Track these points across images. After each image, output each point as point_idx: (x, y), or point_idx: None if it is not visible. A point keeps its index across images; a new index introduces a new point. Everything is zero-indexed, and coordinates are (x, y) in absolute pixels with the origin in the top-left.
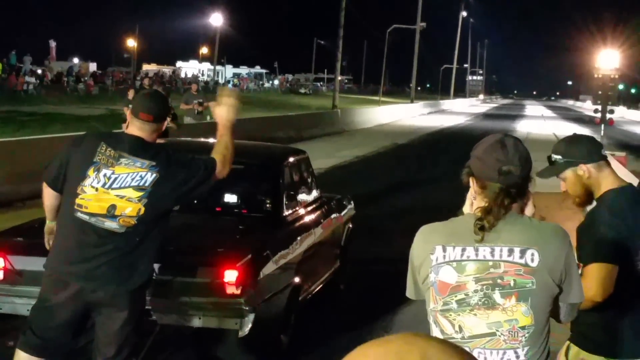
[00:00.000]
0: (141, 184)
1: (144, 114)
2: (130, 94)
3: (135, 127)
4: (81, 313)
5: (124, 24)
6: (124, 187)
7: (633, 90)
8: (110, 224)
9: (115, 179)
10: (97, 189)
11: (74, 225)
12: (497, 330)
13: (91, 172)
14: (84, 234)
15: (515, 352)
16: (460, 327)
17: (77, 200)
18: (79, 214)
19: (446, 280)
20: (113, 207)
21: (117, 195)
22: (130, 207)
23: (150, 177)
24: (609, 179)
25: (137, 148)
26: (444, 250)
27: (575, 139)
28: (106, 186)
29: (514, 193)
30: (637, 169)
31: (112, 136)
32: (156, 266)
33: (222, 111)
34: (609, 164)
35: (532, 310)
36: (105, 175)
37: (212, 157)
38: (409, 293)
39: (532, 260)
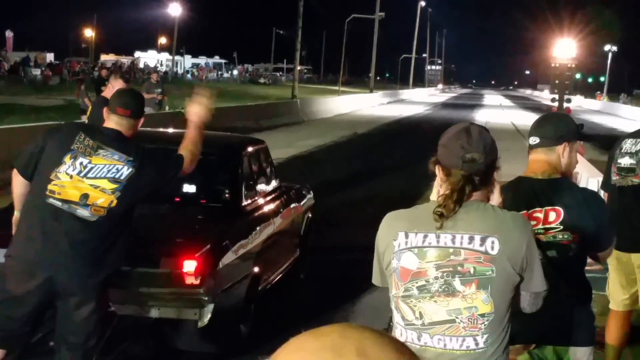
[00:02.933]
0: (117, 176)
1: (122, 109)
2: (82, 85)
3: (113, 122)
4: (45, 303)
5: (81, 14)
6: (99, 178)
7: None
8: (83, 212)
9: (92, 168)
10: (71, 176)
11: (45, 211)
12: (457, 318)
13: (67, 159)
14: (56, 221)
15: (475, 340)
16: (420, 313)
17: (50, 186)
18: (51, 200)
19: (407, 267)
20: (85, 196)
21: (91, 185)
22: (103, 198)
23: (126, 171)
24: (529, 166)
25: (116, 141)
26: (407, 236)
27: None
28: (81, 174)
29: (477, 181)
30: (595, 158)
31: (91, 128)
32: None
33: (198, 110)
34: (533, 152)
35: (492, 298)
36: (81, 163)
37: (180, 154)
38: (375, 280)
39: (493, 248)
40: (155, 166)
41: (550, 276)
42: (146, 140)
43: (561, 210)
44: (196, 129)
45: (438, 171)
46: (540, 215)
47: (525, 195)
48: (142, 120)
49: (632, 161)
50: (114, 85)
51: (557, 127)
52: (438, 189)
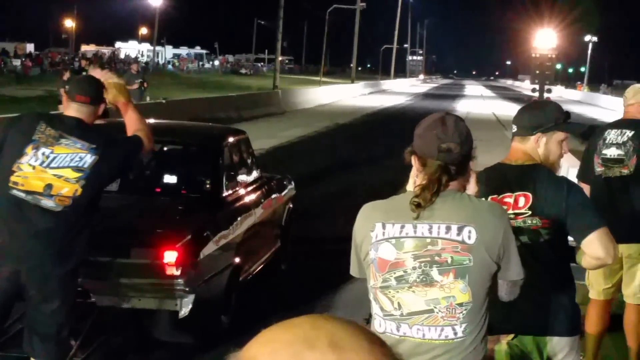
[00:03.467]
0: (80, 165)
1: (81, 97)
2: (66, 75)
3: (73, 110)
4: (13, 295)
5: (61, 4)
6: (63, 167)
7: (570, 70)
8: (47, 202)
9: (54, 158)
10: (34, 167)
11: (9, 203)
12: (435, 307)
13: (29, 150)
14: (20, 212)
15: (453, 329)
16: (399, 304)
17: (13, 178)
18: (14, 192)
19: (385, 257)
20: (49, 186)
21: (54, 175)
22: (67, 187)
23: (89, 159)
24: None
25: (78, 129)
26: (384, 227)
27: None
28: (44, 165)
29: (453, 170)
30: (574, 148)
31: (52, 117)
32: (94, 247)
33: (113, 94)
34: (514, 140)
35: (469, 287)
36: (44, 153)
37: (134, 135)
38: (353, 271)
39: (469, 237)
40: (118, 152)
41: (525, 262)
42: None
43: (530, 195)
44: (128, 109)
45: (414, 161)
46: (511, 201)
47: (497, 180)
48: (102, 106)
49: (620, 152)
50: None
51: (533, 116)
52: (414, 179)
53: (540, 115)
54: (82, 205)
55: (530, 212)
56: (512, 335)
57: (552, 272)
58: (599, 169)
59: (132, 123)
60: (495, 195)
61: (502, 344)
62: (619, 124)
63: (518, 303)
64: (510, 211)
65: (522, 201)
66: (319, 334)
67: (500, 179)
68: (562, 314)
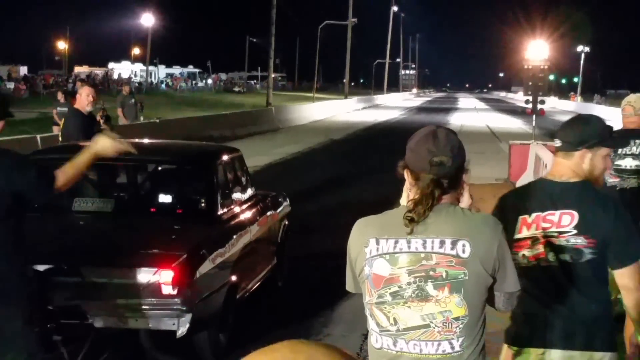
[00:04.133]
0: None
1: None
2: (60, 96)
3: None
4: None
5: (54, 26)
6: None
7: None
8: None
9: None
10: None
11: None
12: (431, 322)
13: None
14: None
15: (450, 343)
16: (395, 319)
17: None
18: None
19: (380, 273)
20: None
21: None
22: None
23: None
24: (552, 168)
25: None
26: (377, 242)
27: None
28: None
29: (445, 184)
30: None
31: None
32: (90, 268)
33: (106, 142)
34: (559, 155)
35: (465, 301)
36: None
37: (55, 173)
38: (349, 286)
39: (464, 251)
40: (20, 170)
41: (561, 280)
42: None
43: (575, 214)
44: (89, 156)
45: (407, 175)
46: (554, 218)
47: (540, 197)
48: (3, 122)
49: (637, 162)
50: (81, 93)
51: (578, 132)
52: (407, 193)
53: (585, 131)
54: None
55: (575, 231)
56: (542, 350)
57: (589, 290)
58: (611, 180)
59: (72, 163)
60: (538, 213)
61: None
62: (631, 134)
63: (550, 319)
64: (554, 229)
65: (566, 219)
66: (297, 357)
67: (543, 196)
68: (599, 329)
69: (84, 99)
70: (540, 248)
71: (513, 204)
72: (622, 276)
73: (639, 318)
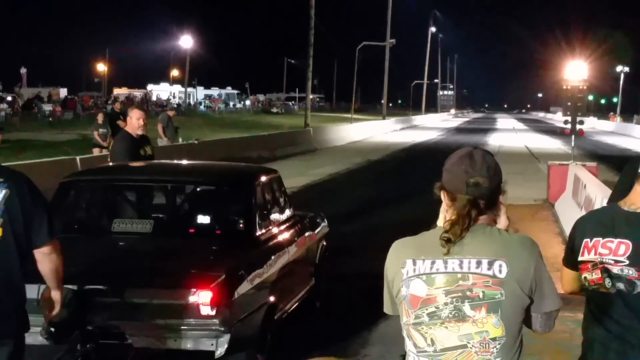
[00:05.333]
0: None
1: None
2: (100, 118)
3: None
4: None
5: (93, 48)
6: None
7: (603, 101)
8: None
9: None
10: None
11: None
12: (469, 342)
13: None
14: None
15: None
16: (432, 340)
17: None
18: None
19: (417, 294)
20: None
21: None
22: None
23: (0, 194)
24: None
25: None
26: (414, 263)
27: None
28: None
29: (482, 205)
30: (609, 179)
31: None
32: (130, 288)
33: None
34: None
35: (502, 322)
36: None
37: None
38: (386, 308)
39: (500, 271)
40: (30, 194)
41: (618, 308)
42: (162, 171)
43: (630, 244)
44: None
45: (443, 196)
46: (612, 246)
47: (604, 222)
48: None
49: None
50: (132, 116)
51: None
52: (444, 214)
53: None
54: (10, 245)
55: (627, 262)
56: None
57: None
58: None
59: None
60: (598, 238)
61: None
62: None
63: (610, 344)
64: (611, 257)
65: (622, 249)
66: None
67: (608, 222)
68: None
69: (135, 123)
70: (599, 273)
71: (582, 226)
72: None
73: None
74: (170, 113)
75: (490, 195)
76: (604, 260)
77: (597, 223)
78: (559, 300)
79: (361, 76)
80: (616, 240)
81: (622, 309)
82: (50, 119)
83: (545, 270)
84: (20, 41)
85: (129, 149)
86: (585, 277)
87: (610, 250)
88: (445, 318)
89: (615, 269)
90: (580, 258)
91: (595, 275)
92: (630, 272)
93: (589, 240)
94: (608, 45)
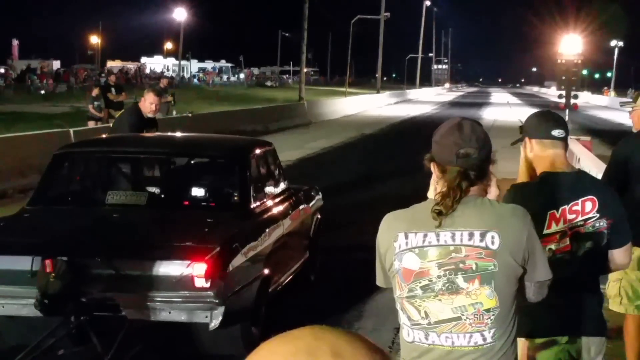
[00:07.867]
0: None
1: None
2: (95, 91)
3: None
4: None
5: (87, 21)
6: None
7: (597, 75)
8: None
9: None
10: None
11: None
12: (463, 314)
13: None
14: None
15: (482, 335)
16: (426, 313)
17: None
18: None
19: (410, 267)
20: None
21: None
22: None
23: None
24: (546, 161)
25: None
26: (406, 237)
27: (533, 113)
28: None
29: (472, 176)
30: (603, 153)
31: None
32: (124, 260)
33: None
34: (558, 146)
35: (496, 293)
36: None
37: None
38: (379, 281)
39: (493, 242)
40: None
41: (582, 268)
42: (156, 144)
43: (595, 198)
44: None
45: (433, 168)
46: (579, 208)
47: (562, 190)
48: None
49: None
50: (146, 98)
51: (565, 124)
52: (435, 186)
53: (545, 121)
54: None
55: (598, 215)
56: (565, 339)
57: (598, 273)
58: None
59: None
60: (564, 206)
61: (547, 350)
62: None
63: (567, 308)
64: (580, 218)
65: (589, 205)
66: (321, 345)
67: (564, 188)
68: (599, 313)
69: (147, 106)
70: (567, 241)
71: (536, 199)
72: (622, 252)
73: None
74: (163, 82)
75: (481, 165)
76: (574, 225)
77: (555, 193)
78: (549, 270)
79: (356, 50)
80: (580, 201)
81: (580, 271)
82: (43, 91)
83: (537, 240)
84: (12, 13)
85: (135, 124)
86: (550, 249)
87: (578, 213)
88: (439, 291)
89: (585, 229)
90: (545, 232)
91: (563, 243)
92: (602, 223)
93: (555, 211)
94: (602, 18)
